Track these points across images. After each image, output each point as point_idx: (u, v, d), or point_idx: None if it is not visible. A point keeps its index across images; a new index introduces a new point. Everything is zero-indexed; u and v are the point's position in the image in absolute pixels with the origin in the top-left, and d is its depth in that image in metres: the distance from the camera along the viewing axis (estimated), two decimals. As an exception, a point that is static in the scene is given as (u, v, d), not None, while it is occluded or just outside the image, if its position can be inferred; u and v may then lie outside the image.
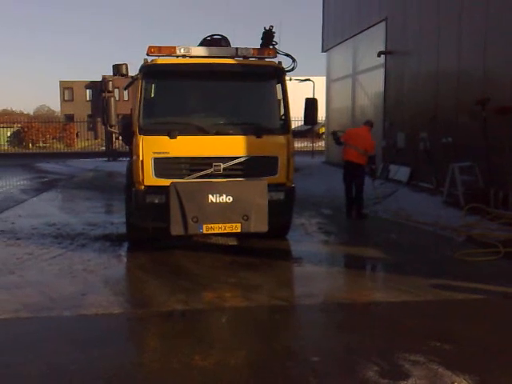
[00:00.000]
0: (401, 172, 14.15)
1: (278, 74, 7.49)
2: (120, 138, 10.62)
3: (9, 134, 39.32)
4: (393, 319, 5.05)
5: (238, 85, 7.61)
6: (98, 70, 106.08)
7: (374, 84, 16.68)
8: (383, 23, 15.76)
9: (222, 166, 6.96)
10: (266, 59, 7.66)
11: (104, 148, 28.97)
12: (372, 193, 11.36)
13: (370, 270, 7.12)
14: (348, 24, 18.96)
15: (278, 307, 5.37)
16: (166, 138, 6.88)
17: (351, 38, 18.54)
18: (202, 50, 7.52)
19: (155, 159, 6.89)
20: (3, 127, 39.32)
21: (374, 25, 16.45)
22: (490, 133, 9.88)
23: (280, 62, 7.63)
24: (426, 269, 6.62)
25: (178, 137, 6.90)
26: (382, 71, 15.93)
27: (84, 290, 5.79)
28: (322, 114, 17.17)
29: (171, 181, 6.69)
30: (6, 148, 36.42)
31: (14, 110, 68.31)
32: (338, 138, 10.49)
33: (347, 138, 10.20)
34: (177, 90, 7.42)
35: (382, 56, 15.59)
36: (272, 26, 7.91)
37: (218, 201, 6.60)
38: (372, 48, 16.30)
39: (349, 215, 10.11)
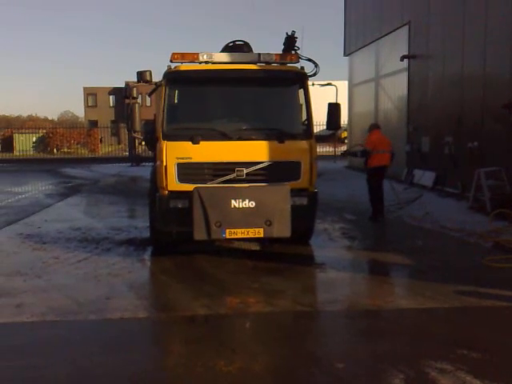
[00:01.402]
0: (426, 177, 13.97)
1: (301, 79, 7.49)
2: (143, 143, 10.75)
3: (34, 140, 40.23)
4: (418, 326, 4.98)
5: (260, 90, 7.63)
6: (121, 76, 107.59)
7: (397, 88, 16.55)
8: (406, 27, 15.64)
9: (245, 171, 6.97)
10: (289, 64, 7.66)
11: (127, 153, 29.28)
12: (394, 198, 11.26)
13: (395, 276, 7.00)
14: (370, 28, 18.87)
15: (301, 313, 5.33)
16: (189, 143, 6.93)
17: (373, 42, 18.46)
18: (224, 56, 7.55)
19: (178, 164, 6.94)
20: (28, 133, 40.29)
21: (396, 29, 16.35)
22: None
23: (302, 67, 7.62)
24: (451, 275, 6.50)
25: (201, 142, 6.93)
26: (405, 75, 15.80)
27: (109, 293, 5.85)
28: (343, 119, 17.12)
29: (194, 186, 6.73)
30: (31, 153, 37.28)
31: (38, 115, 69.94)
32: (356, 152, 10.59)
33: (375, 145, 10.18)
34: (200, 96, 7.48)
35: (405, 60, 15.47)
36: (294, 32, 7.91)
37: (240, 206, 6.61)
38: (395, 52, 16.19)
39: (380, 217, 10.13)
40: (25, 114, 76.87)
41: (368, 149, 10.24)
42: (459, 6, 12.44)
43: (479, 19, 11.50)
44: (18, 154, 37.34)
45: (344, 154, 10.94)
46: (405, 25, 15.69)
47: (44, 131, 41.58)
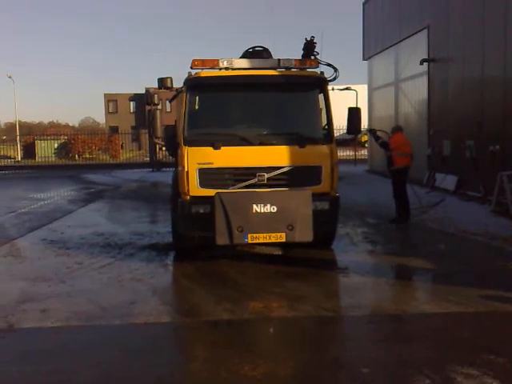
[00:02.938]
0: (447, 180, 13.83)
1: (321, 84, 7.50)
2: (164, 149, 10.84)
3: (56, 146, 40.76)
4: (443, 331, 4.92)
5: (280, 95, 7.67)
6: (141, 83, 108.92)
7: (417, 92, 16.45)
8: (425, 31, 15.56)
9: (266, 175, 6.98)
10: (308, 69, 7.68)
11: (148, 159, 29.50)
12: (416, 202, 11.18)
13: (418, 280, 6.93)
14: (389, 32, 18.81)
15: (325, 318, 5.32)
16: (211, 148, 6.98)
17: (392, 46, 18.39)
18: (244, 62, 7.60)
19: (200, 170, 6.99)
20: (50, 139, 40.87)
21: (415, 33, 16.28)
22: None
23: (322, 72, 7.65)
24: (475, 279, 6.43)
25: (222, 148, 6.98)
26: (425, 79, 15.71)
27: (133, 298, 5.90)
28: (364, 123, 17.06)
29: (216, 191, 6.77)
30: (53, 159, 37.79)
31: (59, 122, 70.97)
32: (379, 137, 10.74)
33: (398, 146, 10.30)
34: (220, 102, 7.53)
35: (425, 64, 15.37)
36: (313, 37, 7.93)
37: (262, 211, 6.63)
38: (414, 56, 16.10)
39: (406, 220, 10.18)
40: (46, 120, 78.11)
41: (390, 144, 10.36)
42: (478, 9, 12.32)
43: (499, 21, 11.37)
44: (39, 160, 37.90)
45: (370, 131, 11.14)
46: (424, 28, 15.61)
47: (65, 137, 42.14)
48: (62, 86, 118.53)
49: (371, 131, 11.20)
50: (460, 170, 13.19)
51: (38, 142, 40.47)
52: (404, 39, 17.29)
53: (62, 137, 42.63)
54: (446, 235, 9.14)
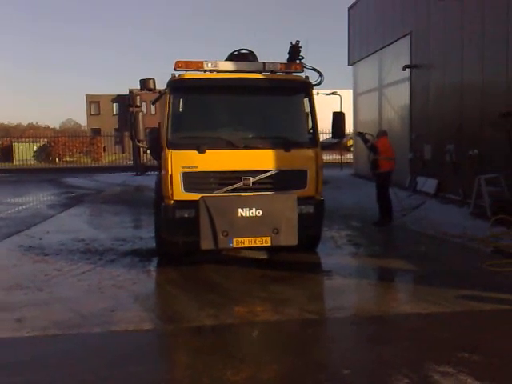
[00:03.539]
0: (428, 184, 14.04)
1: (306, 89, 7.52)
2: (148, 152, 10.72)
3: (35, 149, 39.84)
4: (422, 331, 5.04)
5: (265, 99, 7.66)
6: (125, 84, 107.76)
7: (400, 97, 16.63)
8: (407, 37, 15.75)
9: (251, 179, 6.97)
10: (293, 74, 7.70)
11: (132, 162, 29.08)
12: (398, 205, 11.30)
13: (399, 281, 7.06)
14: (373, 38, 19.00)
15: (309, 321, 5.33)
16: (195, 152, 6.92)
17: (377, 51, 18.56)
18: (229, 65, 7.58)
19: (184, 173, 6.92)
20: (29, 142, 39.92)
21: (398, 39, 16.47)
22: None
23: (307, 77, 7.68)
24: (454, 280, 6.58)
25: (207, 151, 6.93)
26: (407, 84, 15.90)
27: (114, 305, 5.77)
28: (349, 127, 17.21)
29: (200, 195, 6.71)
30: (32, 163, 36.92)
31: (39, 124, 69.77)
32: (367, 140, 10.90)
33: (384, 150, 10.51)
34: (205, 105, 7.48)
35: (408, 70, 15.55)
36: (298, 41, 7.96)
37: (247, 215, 6.59)
38: (397, 62, 16.28)
39: (389, 222, 10.33)
40: (25, 122, 76.64)
41: (377, 148, 10.51)
42: (458, 17, 12.54)
43: (477, 29, 11.59)
44: (17, 163, 37.04)
45: (359, 134, 11.32)
46: (406, 35, 15.79)
47: (45, 140, 41.30)
48: (43, 87, 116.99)
49: (360, 134, 11.30)
50: (440, 173, 13.41)
51: (15, 145, 39.28)
52: (387, 45, 17.46)
53: (41, 139, 41.77)
54: (427, 237, 9.33)
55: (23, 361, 4.49)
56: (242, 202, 6.65)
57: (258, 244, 6.69)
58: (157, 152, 7.58)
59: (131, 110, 7.40)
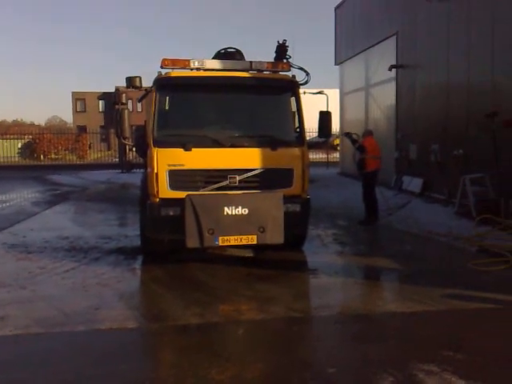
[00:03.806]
0: (414, 183, 14.15)
1: (292, 88, 7.53)
2: (134, 149, 10.66)
3: (19, 146, 39.41)
4: (407, 330, 5.07)
5: (252, 98, 7.65)
6: (111, 81, 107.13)
7: (386, 97, 16.73)
8: (394, 37, 15.85)
9: (238, 178, 6.96)
10: (280, 73, 7.70)
11: (117, 160, 28.87)
12: (384, 204, 11.38)
13: (385, 280, 7.10)
14: (360, 38, 19.07)
15: (294, 319, 5.33)
16: (181, 150, 6.90)
17: (363, 51, 18.65)
18: (216, 63, 7.57)
19: (170, 171, 6.90)
20: (13, 139, 39.47)
21: (385, 39, 16.56)
22: (500, 145, 9.89)
23: (294, 76, 7.68)
24: (438, 279, 6.64)
25: (193, 149, 6.92)
26: (393, 84, 16.00)
27: (98, 304, 5.73)
28: (336, 126, 17.27)
29: (186, 193, 6.70)
30: (16, 160, 36.47)
31: (24, 121, 68.98)
32: (354, 140, 10.99)
33: (372, 150, 10.61)
34: (191, 103, 7.45)
35: (394, 70, 15.65)
36: (285, 40, 7.98)
37: (233, 213, 6.59)
38: (384, 61, 16.36)
39: (375, 220, 10.42)
40: (10, 119, 75.66)
41: (365, 147, 10.57)
42: (444, 18, 12.63)
43: (462, 30, 11.70)
44: (1, 160, 36.60)
45: (346, 134, 11.42)
46: (393, 35, 15.89)
47: (30, 137, 40.89)
48: (28, 84, 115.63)
49: (347, 135, 11.35)
50: (426, 173, 13.53)
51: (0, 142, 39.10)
52: (374, 45, 17.55)
53: (26, 136, 41.32)
54: (412, 236, 9.41)
55: (5, 360, 4.44)
56: (228, 200, 6.65)
57: (244, 242, 6.70)
58: (142, 150, 7.54)
59: (117, 107, 7.33)
